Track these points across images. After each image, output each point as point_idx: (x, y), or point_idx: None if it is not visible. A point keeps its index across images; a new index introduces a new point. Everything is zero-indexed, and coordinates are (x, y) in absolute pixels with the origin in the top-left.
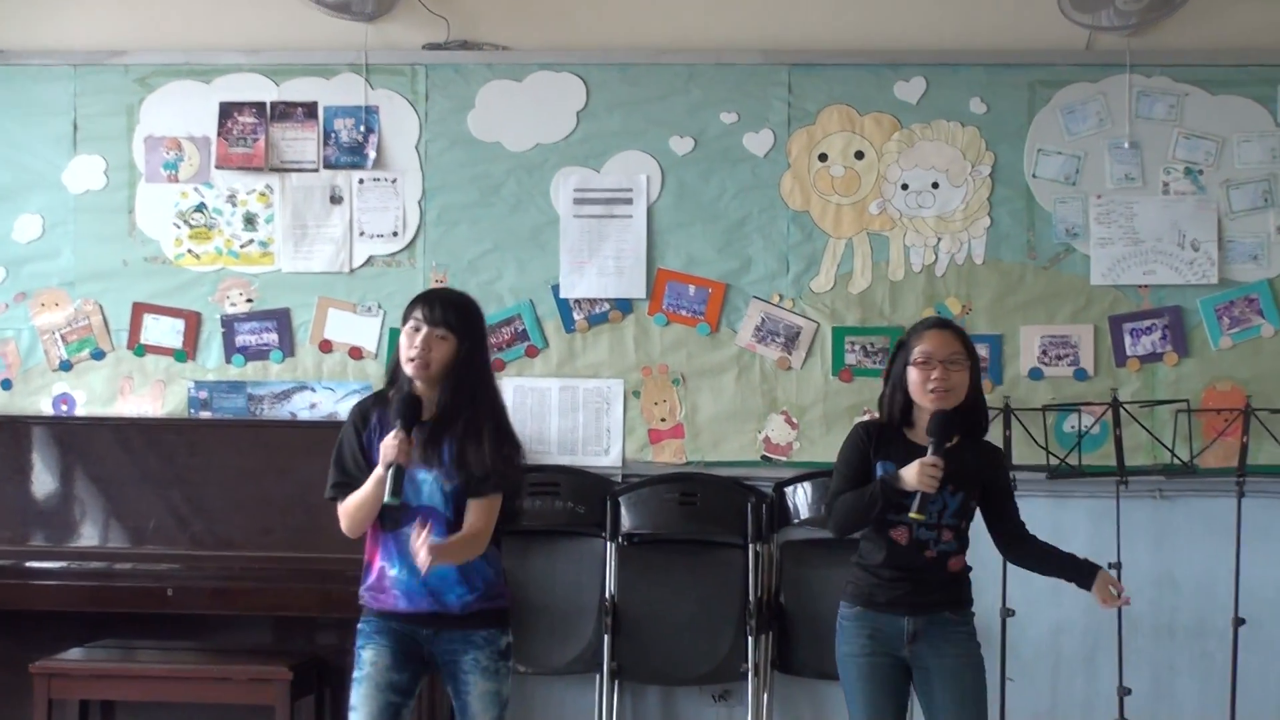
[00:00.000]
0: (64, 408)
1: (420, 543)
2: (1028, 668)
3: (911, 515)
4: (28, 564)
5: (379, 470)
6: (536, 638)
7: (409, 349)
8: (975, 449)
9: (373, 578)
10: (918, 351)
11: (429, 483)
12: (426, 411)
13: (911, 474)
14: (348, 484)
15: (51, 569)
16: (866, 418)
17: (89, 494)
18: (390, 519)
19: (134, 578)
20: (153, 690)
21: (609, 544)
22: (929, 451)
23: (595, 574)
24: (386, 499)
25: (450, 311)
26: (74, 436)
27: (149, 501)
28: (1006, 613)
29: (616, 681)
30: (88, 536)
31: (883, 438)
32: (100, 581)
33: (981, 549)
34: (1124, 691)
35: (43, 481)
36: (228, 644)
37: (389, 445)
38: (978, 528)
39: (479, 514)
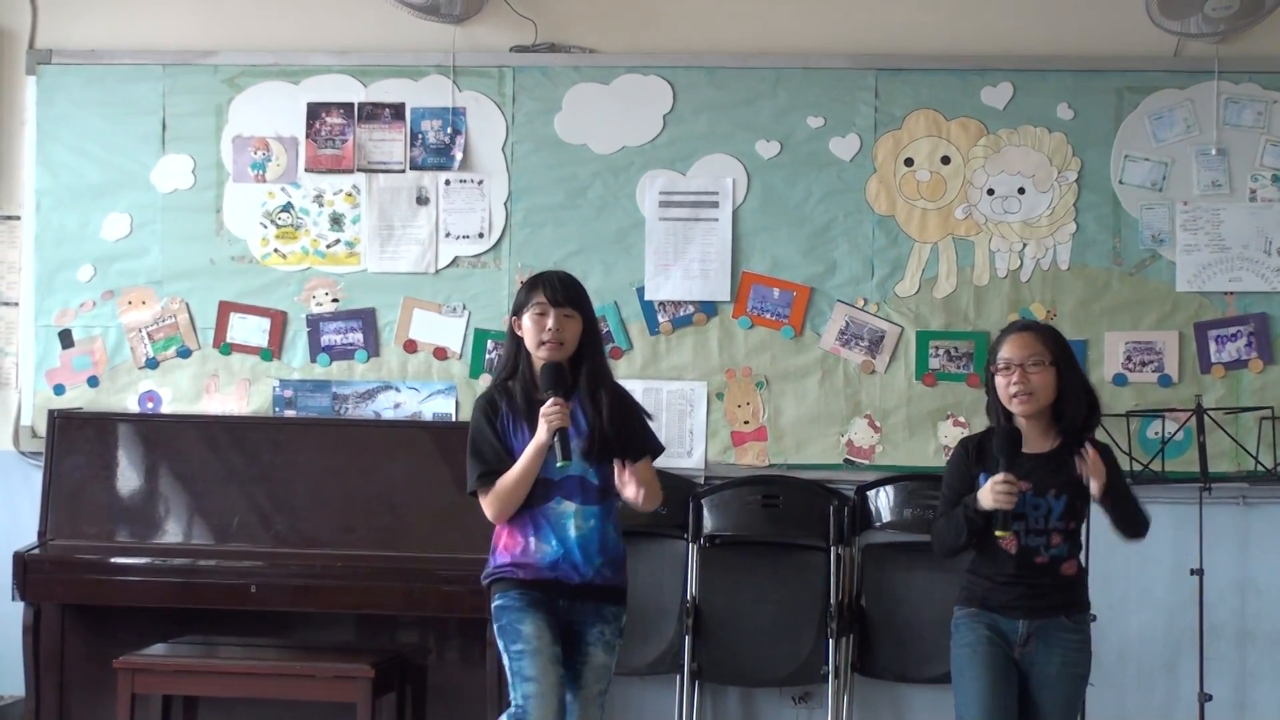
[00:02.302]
0: (150, 405)
1: (627, 475)
2: (1109, 673)
3: (998, 534)
4: (113, 560)
5: (540, 439)
6: None
7: (541, 332)
8: (1079, 449)
9: (514, 554)
10: (999, 358)
11: (574, 451)
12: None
13: (985, 494)
14: (491, 473)
15: (136, 565)
16: (949, 423)
17: (174, 491)
18: (535, 496)
19: (217, 574)
20: (235, 686)
21: (691, 545)
22: (998, 468)
23: (677, 575)
24: (559, 463)
25: (572, 290)
26: (159, 434)
27: (233, 499)
28: (1088, 618)
29: (697, 682)
30: (172, 533)
31: (983, 449)
32: (184, 578)
33: None
34: (1205, 698)
35: (128, 478)
36: (310, 641)
37: (551, 412)
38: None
39: (647, 469)
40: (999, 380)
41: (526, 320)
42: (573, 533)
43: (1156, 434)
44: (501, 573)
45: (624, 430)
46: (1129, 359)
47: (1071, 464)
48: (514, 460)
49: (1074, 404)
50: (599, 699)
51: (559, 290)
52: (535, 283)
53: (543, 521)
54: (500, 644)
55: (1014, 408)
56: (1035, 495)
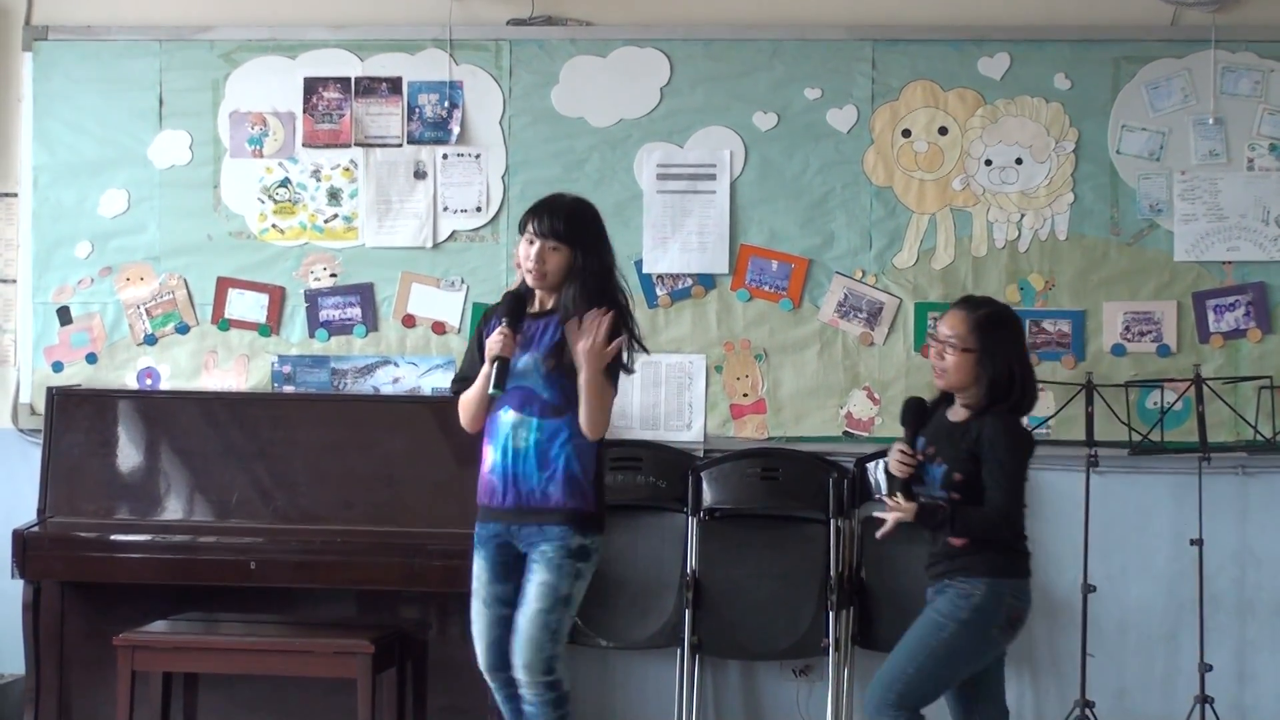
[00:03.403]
0: (149, 381)
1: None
2: (1109, 644)
3: (886, 498)
4: (113, 537)
5: (485, 366)
6: (618, 612)
7: (525, 261)
8: (981, 423)
9: (482, 471)
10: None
11: (527, 362)
12: (546, 304)
13: (891, 459)
14: (464, 379)
15: (136, 542)
16: None
17: (173, 467)
18: (492, 405)
19: (217, 551)
20: (235, 663)
21: (690, 519)
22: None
23: (677, 549)
24: (490, 390)
25: (560, 221)
26: (158, 410)
27: (232, 475)
28: (1087, 589)
29: (697, 656)
30: (172, 510)
31: (924, 412)
32: (184, 555)
33: (1064, 524)
34: (1205, 668)
35: (127, 455)
36: (310, 617)
37: (493, 340)
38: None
39: (595, 391)
40: (930, 350)
41: (520, 246)
42: (511, 444)
43: (1155, 404)
44: (477, 498)
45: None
46: (1127, 329)
47: (971, 436)
48: None
49: (991, 389)
50: (540, 618)
51: (546, 221)
52: (533, 209)
53: (492, 429)
54: None
55: (935, 379)
56: (929, 461)
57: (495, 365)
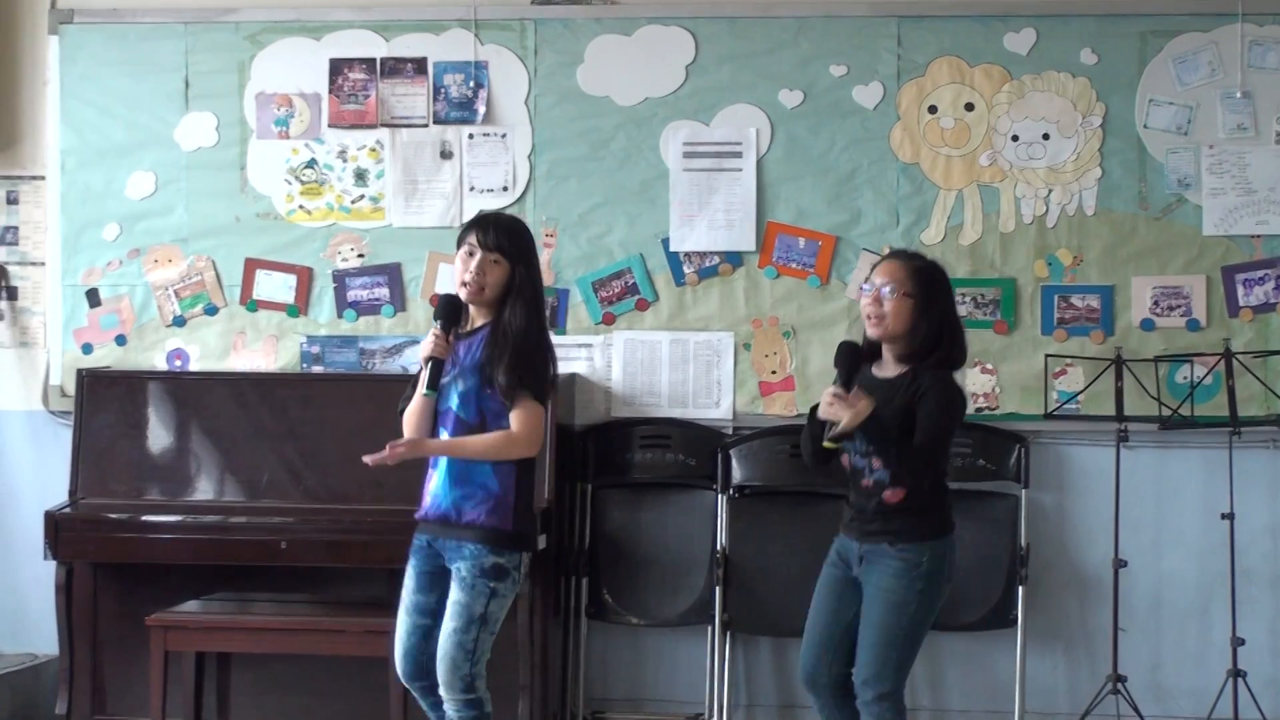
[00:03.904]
0: (178, 363)
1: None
2: (1140, 618)
3: (824, 444)
4: (144, 518)
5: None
6: (648, 590)
7: (463, 272)
8: (920, 377)
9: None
10: (865, 281)
11: (447, 382)
12: (475, 322)
13: (820, 403)
14: (409, 397)
15: (167, 523)
16: (976, 370)
17: (203, 448)
18: (433, 425)
19: (248, 531)
20: (267, 642)
21: (720, 496)
22: (835, 381)
23: (706, 526)
24: (423, 391)
25: (503, 236)
26: (188, 391)
27: (262, 455)
28: (1119, 564)
29: (728, 633)
30: (202, 490)
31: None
32: (215, 535)
33: (1095, 499)
34: (1237, 642)
35: (158, 436)
36: (341, 596)
37: (425, 341)
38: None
39: (516, 419)
40: (862, 300)
41: (457, 258)
42: (443, 462)
43: (1185, 379)
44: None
45: (495, 361)
46: (1156, 304)
47: (909, 389)
48: None
49: (925, 339)
50: (455, 637)
51: (490, 234)
52: (473, 222)
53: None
54: None
55: (868, 329)
56: None
57: (429, 366)
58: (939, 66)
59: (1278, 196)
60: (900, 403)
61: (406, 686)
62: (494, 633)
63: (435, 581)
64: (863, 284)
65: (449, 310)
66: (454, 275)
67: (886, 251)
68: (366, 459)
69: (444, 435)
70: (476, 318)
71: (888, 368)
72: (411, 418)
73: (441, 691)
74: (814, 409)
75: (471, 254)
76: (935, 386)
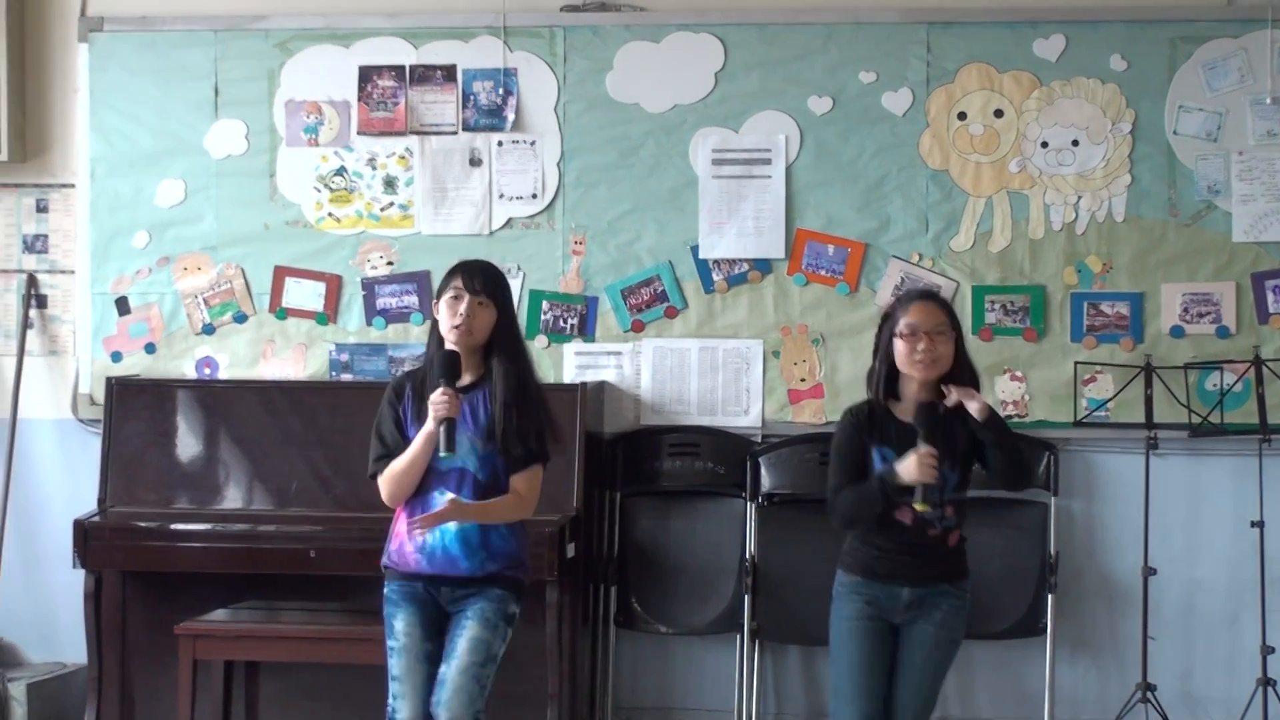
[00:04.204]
0: (207, 371)
1: (444, 503)
2: (1169, 627)
3: (917, 507)
4: (173, 526)
5: (428, 428)
6: (677, 598)
7: (453, 317)
8: (956, 417)
9: (396, 543)
10: (903, 324)
11: (463, 444)
12: (464, 377)
13: (909, 468)
14: (387, 457)
15: (196, 531)
16: (1006, 377)
17: (232, 456)
18: (423, 484)
19: (277, 540)
20: (296, 651)
21: (749, 504)
22: (919, 441)
23: (735, 534)
24: (442, 453)
25: (489, 280)
26: (217, 399)
27: (292, 463)
28: (1148, 572)
29: (757, 641)
30: (231, 499)
31: (873, 420)
32: (244, 543)
33: (1124, 507)
34: (1267, 650)
35: (186, 445)
36: (371, 605)
37: (438, 401)
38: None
39: (524, 482)
40: (901, 345)
41: (441, 305)
42: (452, 526)
43: (1215, 386)
44: (389, 562)
45: (511, 432)
46: (1186, 310)
47: (957, 437)
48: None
49: (962, 375)
50: (472, 670)
51: (476, 279)
52: (454, 269)
53: (419, 511)
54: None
55: (914, 372)
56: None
57: (444, 428)
58: (968, 73)
59: None
60: (963, 437)
61: None
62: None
63: (437, 629)
64: (900, 330)
65: (450, 367)
66: (441, 322)
67: (914, 291)
68: (418, 530)
69: (449, 496)
70: (466, 370)
71: (908, 410)
72: (403, 477)
73: None
74: (880, 479)
75: (458, 298)
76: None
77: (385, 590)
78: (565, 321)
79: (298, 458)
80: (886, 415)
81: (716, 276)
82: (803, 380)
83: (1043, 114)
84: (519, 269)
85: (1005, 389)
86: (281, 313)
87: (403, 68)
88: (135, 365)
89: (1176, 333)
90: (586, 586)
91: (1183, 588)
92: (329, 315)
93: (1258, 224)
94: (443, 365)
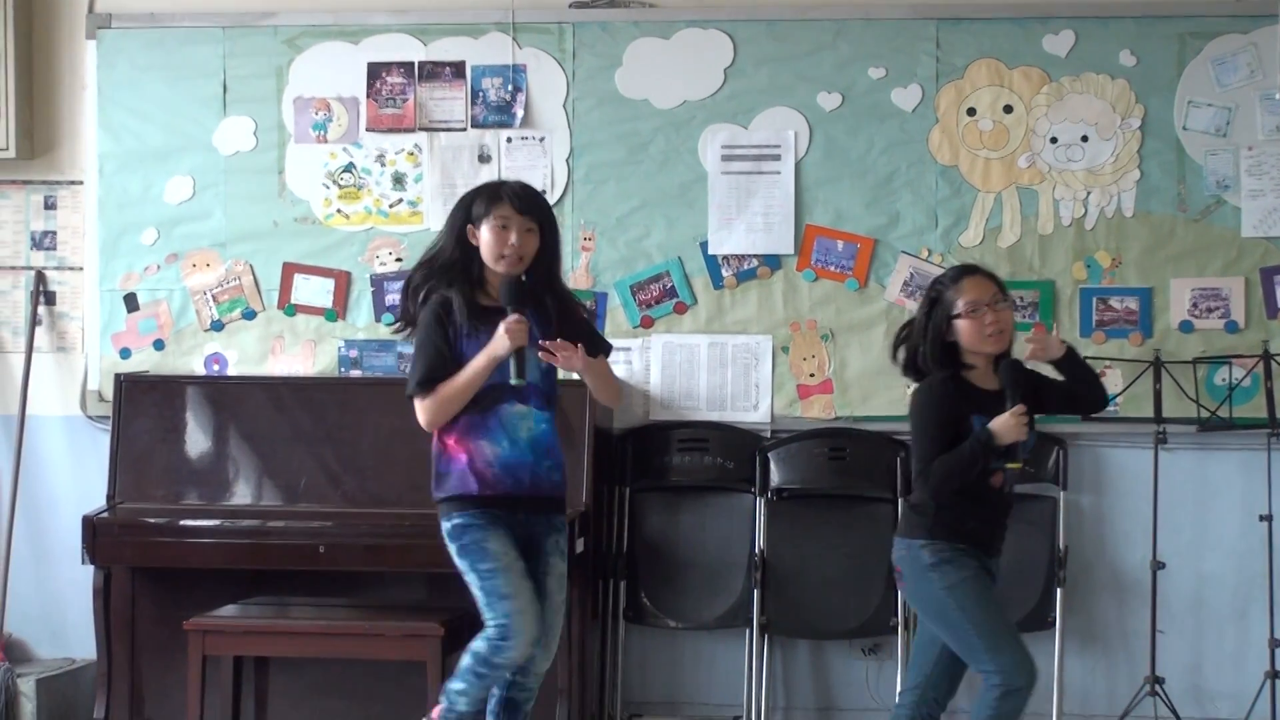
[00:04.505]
0: (216, 367)
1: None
2: (1178, 620)
3: (1010, 466)
4: (182, 522)
5: (494, 351)
6: (686, 593)
7: (503, 246)
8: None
9: (467, 462)
10: (963, 303)
11: (529, 360)
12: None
13: (1005, 427)
14: (435, 379)
15: (205, 527)
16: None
17: (241, 453)
18: (483, 401)
19: (287, 535)
20: (305, 646)
21: (758, 499)
22: (1009, 402)
23: (744, 529)
24: (514, 380)
25: (535, 202)
26: (226, 396)
27: (301, 459)
28: (1157, 565)
29: (766, 636)
30: (240, 495)
31: (960, 392)
32: (253, 539)
33: (1133, 501)
34: (1275, 643)
35: (196, 441)
36: (380, 600)
37: (513, 329)
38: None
39: (605, 365)
40: (967, 324)
41: (485, 231)
42: (523, 434)
43: (1224, 380)
44: (458, 489)
45: (575, 332)
46: (1195, 305)
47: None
48: (458, 367)
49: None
50: (562, 608)
51: (523, 200)
52: (498, 193)
53: (493, 424)
54: (464, 564)
55: (987, 347)
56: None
57: (515, 354)
58: (977, 68)
59: None
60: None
61: (523, 655)
62: None
63: (523, 550)
64: (961, 310)
65: (520, 294)
66: (486, 250)
67: (962, 267)
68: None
69: (523, 408)
70: (495, 289)
71: (989, 381)
72: (459, 397)
73: (542, 664)
74: (977, 440)
75: (506, 227)
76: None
77: (457, 521)
78: None
79: (307, 454)
80: (969, 386)
81: (726, 272)
82: (812, 375)
83: (1052, 109)
84: None
85: None
86: (290, 309)
87: (411, 64)
88: (144, 362)
89: (1185, 328)
90: (596, 581)
91: (1191, 581)
92: (338, 311)
93: (1267, 219)
94: (512, 292)
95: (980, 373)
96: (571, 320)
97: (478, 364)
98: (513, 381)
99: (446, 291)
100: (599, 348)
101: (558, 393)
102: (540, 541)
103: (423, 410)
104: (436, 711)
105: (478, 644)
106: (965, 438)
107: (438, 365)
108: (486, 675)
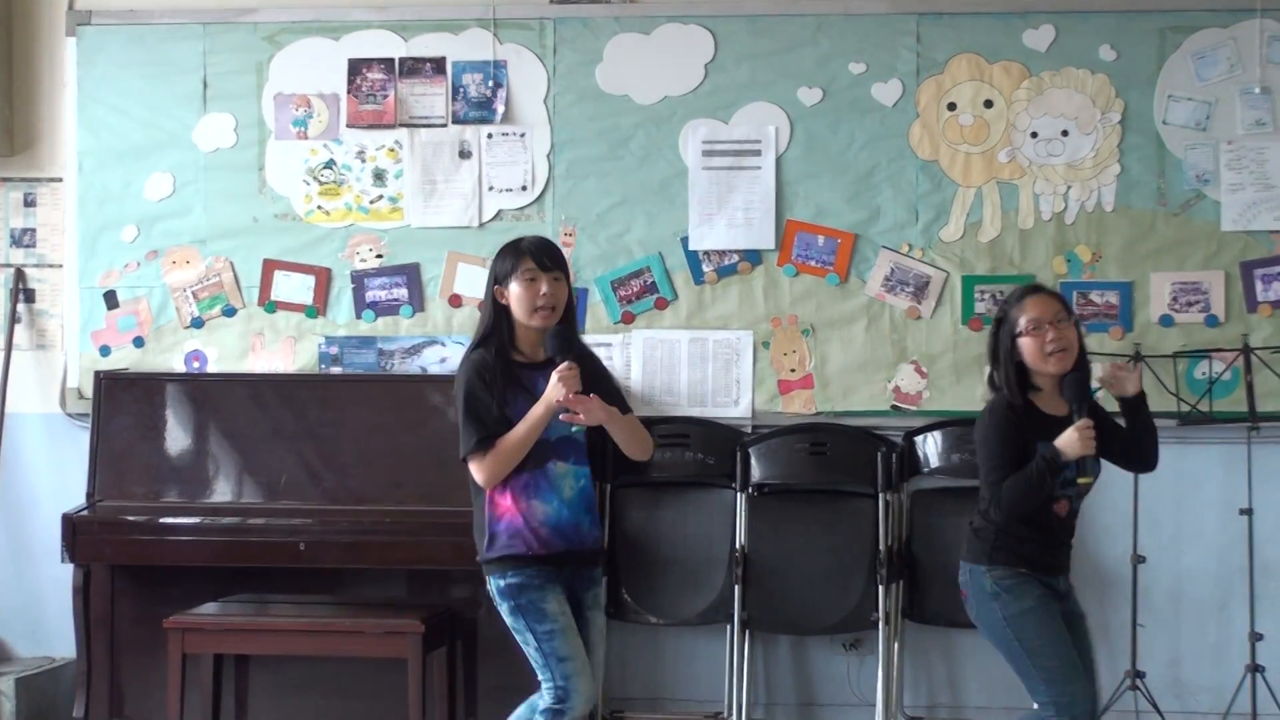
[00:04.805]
0: (196, 364)
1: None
2: (1159, 614)
3: (1080, 482)
4: (162, 520)
5: (549, 401)
6: (667, 589)
7: (535, 298)
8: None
9: (519, 523)
10: (1025, 321)
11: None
12: (539, 351)
13: (1070, 443)
14: (490, 436)
15: (185, 524)
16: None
17: (221, 450)
18: (534, 457)
19: (267, 533)
20: (285, 644)
21: (739, 495)
22: (1074, 417)
23: (726, 525)
24: (574, 428)
25: (556, 255)
26: (206, 393)
27: (281, 457)
28: (1137, 559)
29: (747, 632)
30: (221, 492)
31: (1025, 415)
32: (233, 537)
33: (1113, 495)
34: (1256, 637)
35: (176, 438)
36: (360, 598)
37: (566, 376)
38: None
39: (635, 421)
40: (1029, 342)
41: (515, 287)
42: (567, 493)
43: (1204, 374)
44: (511, 549)
45: (603, 388)
46: (1175, 299)
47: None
48: (507, 424)
49: (1083, 360)
50: (603, 659)
51: (545, 255)
52: (519, 250)
53: (543, 483)
54: (519, 623)
55: (1050, 366)
56: (1091, 458)
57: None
58: (958, 63)
59: None
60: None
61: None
62: None
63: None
64: (1023, 328)
65: (567, 343)
66: (519, 305)
67: (1026, 286)
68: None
69: (564, 465)
70: (534, 350)
71: (1055, 405)
72: (517, 452)
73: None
74: (1044, 458)
75: (534, 280)
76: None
77: (512, 580)
78: None
79: (287, 451)
80: (1030, 409)
81: (706, 268)
82: (793, 371)
83: (1032, 104)
84: None
85: None
86: (270, 306)
87: (392, 60)
88: (124, 359)
89: (1165, 322)
90: None
91: (1172, 575)
92: (318, 308)
93: (1246, 213)
94: (559, 342)
95: (1047, 396)
96: (595, 377)
97: (536, 413)
98: (573, 430)
99: (479, 355)
100: (623, 403)
101: (597, 443)
102: (581, 596)
103: (481, 469)
104: None
105: (535, 701)
106: (1028, 460)
107: (490, 422)
108: None
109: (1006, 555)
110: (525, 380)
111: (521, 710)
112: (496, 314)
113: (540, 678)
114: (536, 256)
